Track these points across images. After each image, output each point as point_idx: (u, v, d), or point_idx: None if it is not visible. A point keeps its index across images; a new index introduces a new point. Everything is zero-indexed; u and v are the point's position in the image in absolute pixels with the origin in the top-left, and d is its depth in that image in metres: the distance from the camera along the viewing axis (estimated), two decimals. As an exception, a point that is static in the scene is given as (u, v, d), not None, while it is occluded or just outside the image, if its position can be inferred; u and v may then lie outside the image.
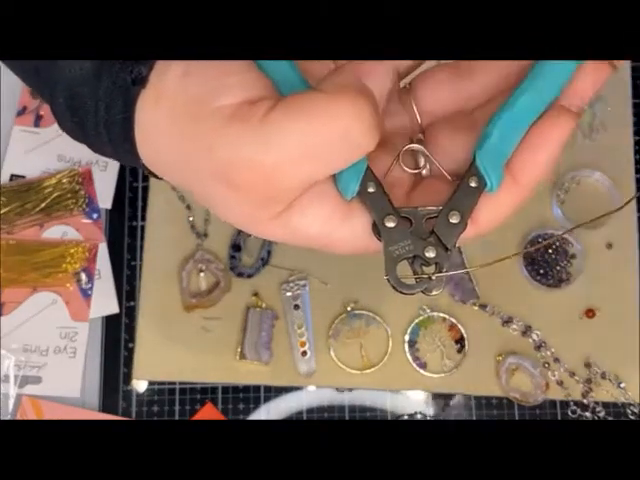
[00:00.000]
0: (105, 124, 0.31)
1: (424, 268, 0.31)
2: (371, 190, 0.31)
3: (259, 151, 0.28)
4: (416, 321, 0.60)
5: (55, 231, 0.61)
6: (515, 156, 0.31)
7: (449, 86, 0.34)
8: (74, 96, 0.31)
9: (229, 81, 0.30)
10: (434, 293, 0.31)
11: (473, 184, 0.31)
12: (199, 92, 0.30)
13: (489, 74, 0.33)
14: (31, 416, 0.57)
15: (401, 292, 0.31)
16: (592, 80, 0.31)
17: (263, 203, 0.30)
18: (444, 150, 0.33)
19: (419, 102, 0.34)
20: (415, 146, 0.33)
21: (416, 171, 0.33)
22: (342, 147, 0.29)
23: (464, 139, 0.33)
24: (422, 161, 0.33)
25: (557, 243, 0.61)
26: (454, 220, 0.31)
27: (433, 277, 0.31)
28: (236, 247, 0.61)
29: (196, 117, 0.29)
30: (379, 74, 0.31)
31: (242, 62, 0.30)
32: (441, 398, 0.60)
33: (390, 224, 0.31)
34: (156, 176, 0.34)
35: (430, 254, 0.31)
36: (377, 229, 0.31)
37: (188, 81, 0.30)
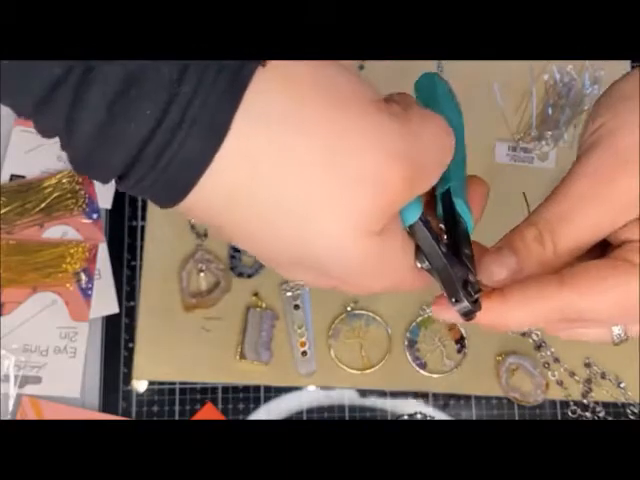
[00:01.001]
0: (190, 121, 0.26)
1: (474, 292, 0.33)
2: (424, 218, 0.32)
3: (411, 146, 0.28)
4: (416, 321, 0.60)
5: (55, 231, 0.61)
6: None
7: None
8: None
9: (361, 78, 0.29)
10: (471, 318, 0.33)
11: (460, 226, 0.33)
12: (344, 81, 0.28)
13: None
14: (31, 416, 0.57)
15: (468, 315, 0.33)
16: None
17: (390, 206, 0.29)
18: None
19: None
20: None
21: None
22: (448, 149, 0.31)
23: None
24: None
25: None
26: (468, 251, 0.33)
27: (479, 297, 0.33)
28: (236, 247, 0.61)
29: (340, 102, 0.27)
30: None
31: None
32: (441, 398, 0.60)
33: (444, 249, 0.32)
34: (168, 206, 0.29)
35: (472, 278, 0.33)
36: (425, 257, 0.32)
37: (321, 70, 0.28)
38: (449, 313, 0.33)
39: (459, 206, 0.33)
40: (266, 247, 0.30)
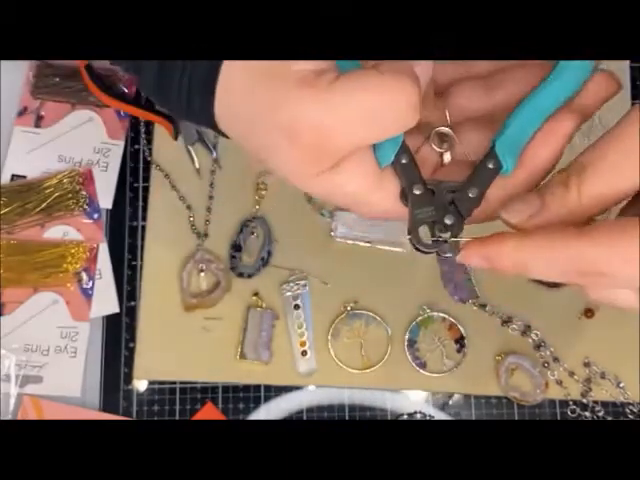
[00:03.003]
0: (189, 78, 0.35)
1: (442, 234, 0.36)
2: (404, 161, 0.36)
3: (322, 113, 0.33)
4: (416, 321, 0.60)
5: (56, 231, 0.61)
6: (526, 146, 0.36)
7: (482, 94, 0.39)
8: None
9: None
10: (447, 255, 0.36)
11: (490, 166, 0.35)
12: None
13: (519, 84, 0.37)
14: (32, 416, 0.57)
15: (419, 250, 0.36)
16: (599, 91, 0.36)
17: (316, 159, 0.34)
18: (468, 142, 0.38)
19: (452, 105, 0.39)
20: (444, 129, 0.38)
21: (442, 151, 0.38)
22: (389, 117, 0.34)
23: (486, 134, 0.37)
24: (447, 146, 0.39)
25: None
26: (472, 194, 0.36)
27: (449, 240, 0.35)
28: (236, 247, 0.61)
29: (271, 76, 0.33)
30: (425, 65, 0.36)
31: None
32: (441, 398, 0.60)
33: (417, 191, 0.36)
34: (224, 135, 0.37)
35: (448, 221, 0.36)
36: (405, 196, 0.36)
37: None
38: (477, 257, 0.35)
39: (498, 147, 0.35)
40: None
